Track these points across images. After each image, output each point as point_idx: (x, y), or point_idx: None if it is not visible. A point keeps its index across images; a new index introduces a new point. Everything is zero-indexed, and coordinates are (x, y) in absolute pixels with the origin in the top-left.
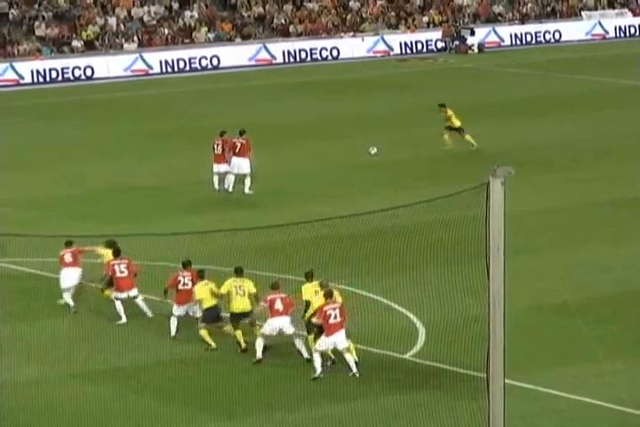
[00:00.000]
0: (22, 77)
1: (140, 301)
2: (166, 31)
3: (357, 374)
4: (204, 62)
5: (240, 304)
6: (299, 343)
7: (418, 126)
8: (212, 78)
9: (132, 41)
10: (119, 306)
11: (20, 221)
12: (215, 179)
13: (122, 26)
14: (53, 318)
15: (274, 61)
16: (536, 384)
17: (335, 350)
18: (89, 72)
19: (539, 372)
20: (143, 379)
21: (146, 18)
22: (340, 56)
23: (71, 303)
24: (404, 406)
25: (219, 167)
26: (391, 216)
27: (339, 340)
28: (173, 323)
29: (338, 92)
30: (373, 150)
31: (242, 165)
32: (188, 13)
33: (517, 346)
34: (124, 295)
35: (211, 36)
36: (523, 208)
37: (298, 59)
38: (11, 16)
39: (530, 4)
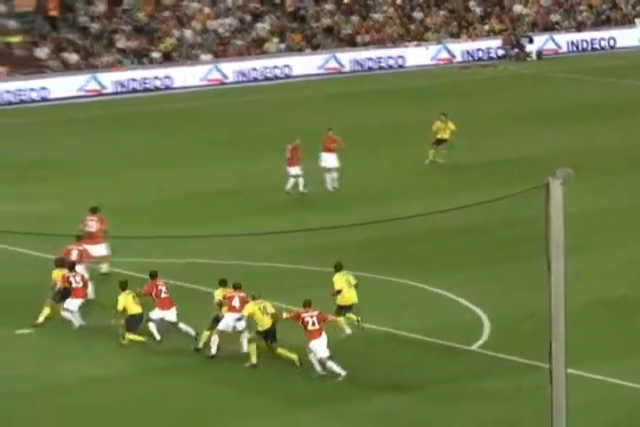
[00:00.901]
0: (104, 87)
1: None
2: (240, 42)
3: (341, 378)
4: (276, 71)
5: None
6: (244, 339)
7: (479, 132)
8: (284, 87)
9: (208, 52)
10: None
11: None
12: (290, 181)
13: (198, 38)
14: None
15: (342, 70)
16: (597, 374)
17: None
18: (167, 82)
19: (600, 362)
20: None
21: (220, 30)
22: (406, 64)
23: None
24: (469, 395)
25: (290, 170)
26: (459, 216)
27: (320, 347)
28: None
29: (404, 100)
30: None
31: (329, 159)
32: (260, 25)
33: (578, 338)
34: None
35: (282, 46)
36: (580, 208)
37: (365, 67)
38: (92, 30)
39: (585, 13)
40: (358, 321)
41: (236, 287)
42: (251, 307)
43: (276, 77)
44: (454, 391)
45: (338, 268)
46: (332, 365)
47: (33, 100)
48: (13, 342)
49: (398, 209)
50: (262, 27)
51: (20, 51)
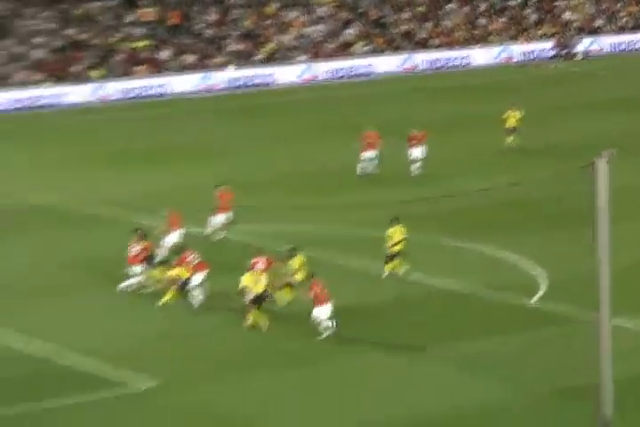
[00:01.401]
0: (216, 84)
1: None
2: (330, 46)
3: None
4: (361, 70)
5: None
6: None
7: (536, 120)
8: (367, 83)
9: (303, 54)
10: None
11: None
12: (364, 164)
13: (294, 42)
14: None
15: (417, 68)
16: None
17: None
18: (269, 80)
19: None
20: None
21: (314, 35)
22: (471, 64)
23: None
24: (525, 344)
25: (365, 155)
26: (522, 190)
27: (326, 311)
28: None
29: (470, 94)
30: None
31: (414, 153)
32: (348, 31)
33: (621, 294)
34: None
35: (366, 48)
36: (623, 183)
37: (436, 66)
38: (206, 35)
39: (625, 18)
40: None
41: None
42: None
43: (362, 75)
44: (516, 338)
45: (394, 221)
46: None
47: (150, 96)
48: None
49: (472, 184)
50: (350, 32)
51: (145, 54)
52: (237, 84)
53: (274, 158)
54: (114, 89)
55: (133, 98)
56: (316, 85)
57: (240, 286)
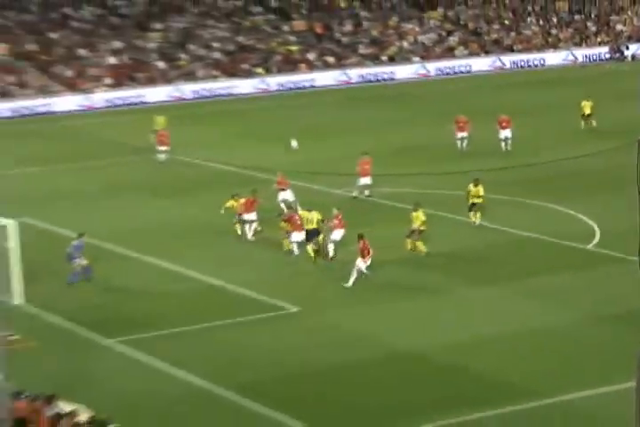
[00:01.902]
0: (351, 79)
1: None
2: (438, 49)
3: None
4: (461, 68)
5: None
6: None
7: (598, 107)
8: (466, 79)
9: (417, 56)
10: None
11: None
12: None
13: (411, 46)
14: None
15: (504, 68)
16: None
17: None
18: (391, 75)
19: None
20: None
21: (425, 41)
22: (545, 64)
23: None
24: (584, 279)
25: (458, 134)
26: (588, 161)
27: (366, 265)
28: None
29: (545, 87)
30: (294, 144)
31: (503, 133)
32: (451, 38)
33: None
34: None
35: (465, 52)
36: None
37: (519, 66)
38: (343, 41)
39: None
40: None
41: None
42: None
43: (461, 72)
44: (577, 275)
45: (476, 181)
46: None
47: (301, 88)
48: None
49: (547, 157)
50: (453, 39)
51: (297, 55)
52: (367, 79)
53: (394, 136)
54: (273, 83)
55: (288, 89)
56: (426, 81)
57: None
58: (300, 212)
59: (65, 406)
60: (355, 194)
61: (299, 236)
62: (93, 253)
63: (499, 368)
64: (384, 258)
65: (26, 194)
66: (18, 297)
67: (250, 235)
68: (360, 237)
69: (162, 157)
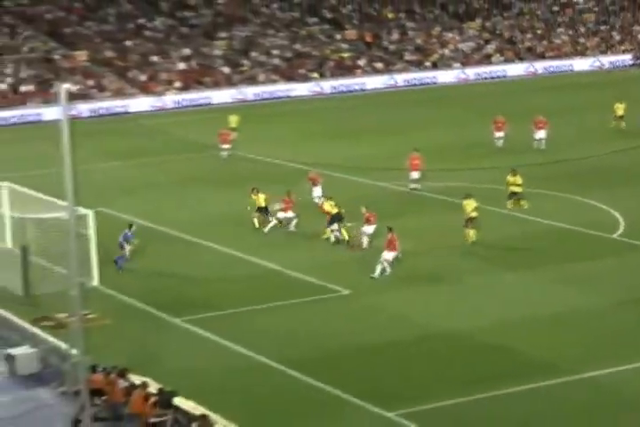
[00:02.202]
0: (397, 82)
1: None
2: (476, 56)
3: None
4: (498, 74)
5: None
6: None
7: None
8: (502, 83)
9: (458, 62)
10: None
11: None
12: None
13: (451, 54)
14: None
15: (536, 73)
16: None
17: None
18: (434, 80)
19: None
20: None
21: (465, 49)
22: (574, 70)
23: None
24: (611, 266)
25: (496, 134)
26: (614, 158)
27: (392, 257)
28: None
29: (573, 90)
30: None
31: (539, 134)
32: (488, 46)
33: None
34: None
35: (501, 59)
36: None
37: (550, 71)
38: (390, 49)
39: None
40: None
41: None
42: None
43: (497, 77)
44: (605, 261)
45: (514, 172)
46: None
47: (352, 91)
48: None
49: (577, 154)
50: (490, 47)
51: (348, 62)
52: (412, 83)
53: (438, 135)
54: (327, 86)
55: (340, 92)
56: (466, 84)
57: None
58: (326, 203)
59: (136, 379)
60: (412, 187)
61: (335, 225)
62: (161, 239)
63: (534, 347)
64: (428, 245)
65: (103, 186)
66: (95, 279)
67: (292, 227)
68: (389, 229)
69: (224, 154)
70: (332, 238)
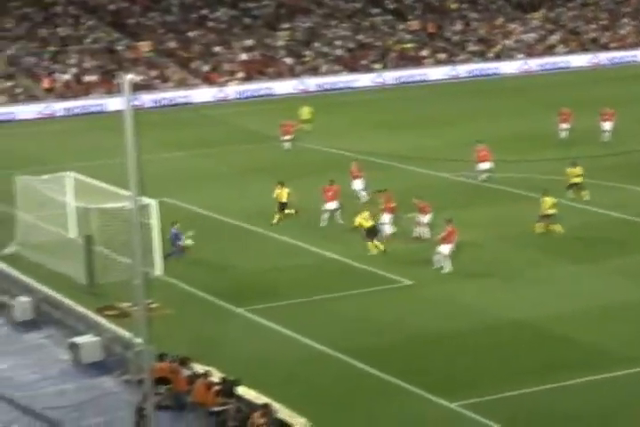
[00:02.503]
0: (459, 73)
1: None
2: (539, 47)
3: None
4: (561, 65)
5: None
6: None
7: None
8: (565, 74)
9: (521, 53)
10: None
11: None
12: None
13: (514, 44)
14: None
15: (599, 64)
16: None
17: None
18: (496, 71)
19: None
20: None
21: (528, 40)
22: (638, 60)
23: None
24: None
25: (561, 126)
26: None
27: (448, 250)
28: None
29: (638, 81)
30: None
31: (605, 126)
32: (552, 37)
33: None
34: None
35: (564, 50)
36: None
37: (613, 62)
38: (453, 40)
39: None
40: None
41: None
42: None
43: (561, 68)
44: None
45: (574, 164)
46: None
47: (414, 82)
48: None
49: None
50: (553, 38)
51: (411, 52)
52: (475, 74)
53: (500, 126)
54: (389, 77)
55: (402, 83)
56: (529, 75)
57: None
58: (358, 217)
59: (198, 368)
60: (482, 178)
61: (387, 217)
62: (224, 229)
63: (597, 338)
64: (491, 236)
65: (165, 176)
66: (158, 269)
67: (339, 220)
68: (448, 221)
69: (286, 145)
70: (375, 252)
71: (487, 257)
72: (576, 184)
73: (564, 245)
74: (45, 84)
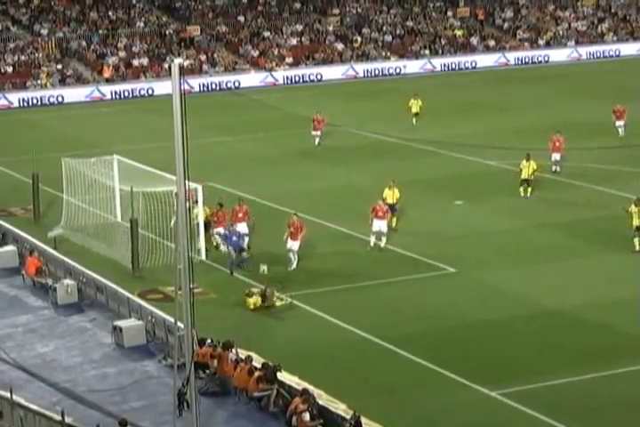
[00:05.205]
0: (509, 61)
1: None
2: (589, 35)
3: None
4: (611, 53)
5: None
6: None
7: None
8: (615, 62)
9: (571, 41)
10: None
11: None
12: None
13: (565, 32)
14: None
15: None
16: None
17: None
18: (546, 58)
19: None
20: None
21: (579, 27)
22: None
23: None
24: None
25: (617, 124)
26: None
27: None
28: None
29: None
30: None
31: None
32: (602, 25)
33: None
34: None
35: (615, 38)
36: None
37: None
38: (504, 27)
39: None
40: None
41: None
42: None
43: (610, 56)
44: None
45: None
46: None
47: (463, 68)
48: None
49: None
50: (604, 26)
51: (461, 39)
52: (524, 61)
53: (547, 114)
54: (438, 63)
55: (451, 70)
56: (578, 63)
57: None
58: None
59: (241, 353)
60: (554, 169)
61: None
62: (269, 214)
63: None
64: (535, 224)
65: (212, 161)
66: (202, 254)
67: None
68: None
69: (316, 140)
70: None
71: (530, 245)
72: (526, 180)
73: (608, 235)
74: (105, 73)
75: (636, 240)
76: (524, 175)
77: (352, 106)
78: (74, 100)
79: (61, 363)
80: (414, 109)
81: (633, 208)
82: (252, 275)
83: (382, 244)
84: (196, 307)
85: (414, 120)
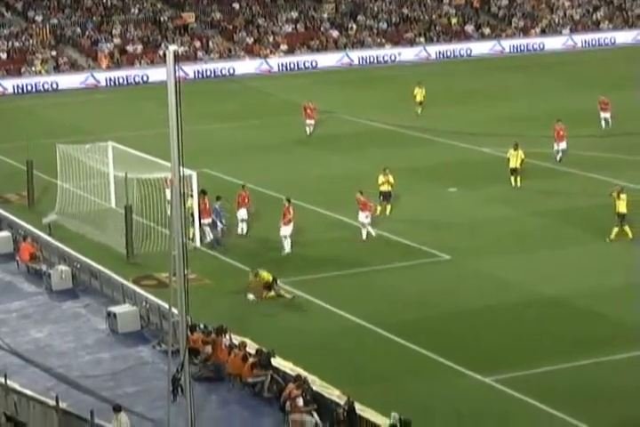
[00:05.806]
0: (504, 48)
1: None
2: (585, 23)
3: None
4: (606, 41)
5: None
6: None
7: None
8: (610, 50)
9: (567, 29)
10: None
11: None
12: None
13: (560, 20)
14: None
15: None
16: None
17: None
18: (541, 46)
19: None
20: None
21: (575, 16)
22: None
23: None
24: None
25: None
26: None
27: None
28: None
29: None
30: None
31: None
32: (597, 13)
33: None
34: None
35: (610, 26)
36: None
37: None
38: (499, 14)
39: None
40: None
41: None
42: None
43: (606, 44)
44: None
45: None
46: None
47: (458, 56)
48: None
49: None
50: (599, 14)
51: (455, 27)
52: (519, 49)
53: (542, 102)
54: (433, 51)
55: (446, 58)
56: (573, 51)
57: None
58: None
59: (235, 339)
60: (558, 158)
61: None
62: (264, 201)
63: (633, 314)
64: (529, 212)
65: (207, 148)
66: (197, 240)
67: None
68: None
69: (308, 129)
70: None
71: (525, 233)
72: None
73: (605, 223)
74: (102, 63)
75: (615, 229)
76: (512, 164)
77: (347, 93)
78: (68, 86)
79: (55, 348)
80: (418, 98)
81: (618, 195)
82: (247, 261)
83: (364, 235)
84: (190, 293)
85: (419, 109)
